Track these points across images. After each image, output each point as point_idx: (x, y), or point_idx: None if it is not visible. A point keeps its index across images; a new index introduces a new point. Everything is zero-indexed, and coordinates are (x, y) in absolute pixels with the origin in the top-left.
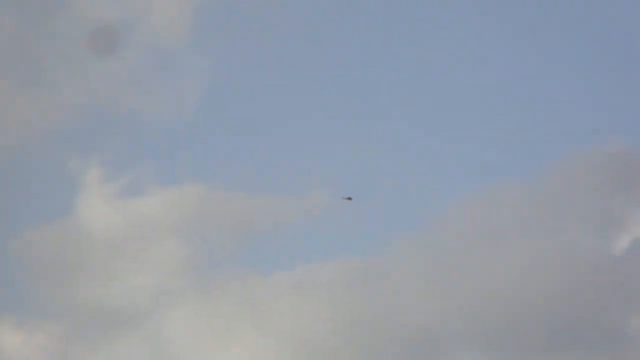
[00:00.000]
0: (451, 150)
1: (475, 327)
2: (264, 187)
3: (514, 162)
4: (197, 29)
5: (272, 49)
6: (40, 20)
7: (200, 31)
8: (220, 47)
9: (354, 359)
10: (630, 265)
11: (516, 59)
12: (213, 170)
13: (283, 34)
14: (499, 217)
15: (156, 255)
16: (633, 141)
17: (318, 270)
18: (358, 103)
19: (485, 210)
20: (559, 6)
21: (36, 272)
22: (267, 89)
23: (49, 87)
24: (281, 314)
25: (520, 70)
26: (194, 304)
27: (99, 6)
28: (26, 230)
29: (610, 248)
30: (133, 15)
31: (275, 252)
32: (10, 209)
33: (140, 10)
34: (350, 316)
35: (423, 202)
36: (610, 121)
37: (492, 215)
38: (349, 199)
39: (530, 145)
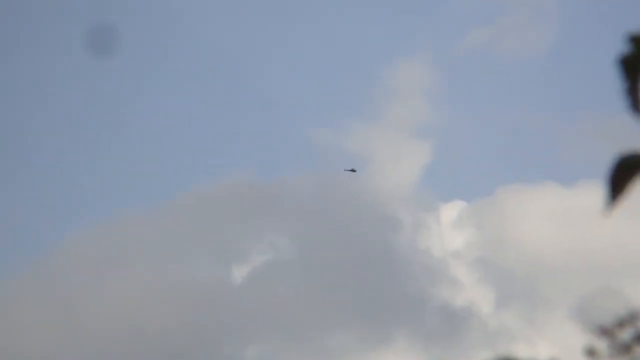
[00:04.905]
0: (82, 178)
1: (96, 353)
2: None
3: (141, 192)
4: None
5: None
6: None
7: None
8: None
9: None
10: (248, 294)
11: (144, 96)
12: None
13: None
14: (124, 246)
15: None
16: (255, 173)
17: None
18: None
19: (110, 239)
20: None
21: None
22: None
23: None
24: None
25: (148, 108)
26: None
27: None
28: None
29: (230, 277)
30: None
31: None
32: None
33: None
34: None
35: (45, 232)
36: (236, 155)
37: (116, 243)
38: (353, 170)
39: (157, 178)
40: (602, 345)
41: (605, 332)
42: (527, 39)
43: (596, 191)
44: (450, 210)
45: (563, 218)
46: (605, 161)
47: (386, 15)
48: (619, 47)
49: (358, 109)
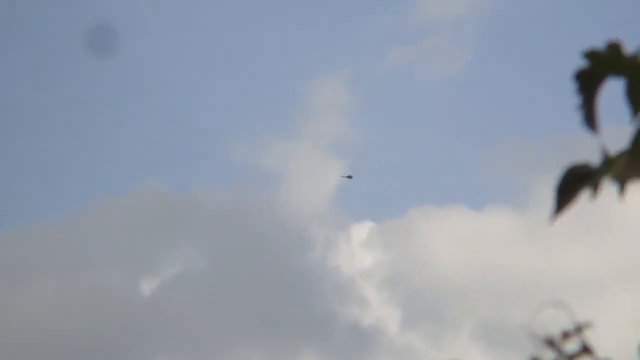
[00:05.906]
0: None
1: None
2: None
3: (53, 202)
4: None
5: None
6: None
7: None
8: None
9: None
10: (157, 306)
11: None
12: None
13: None
14: (33, 255)
15: None
16: (169, 186)
17: None
18: None
19: (20, 248)
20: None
21: None
22: None
23: None
24: None
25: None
26: None
27: None
28: None
29: (139, 289)
30: None
31: None
32: None
33: None
34: None
35: None
36: (150, 167)
37: (25, 253)
38: (349, 177)
39: (72, 188)
40: (547, 356)
41: (550, 343)
42: (448, 62)
43: (503, 215)
44: (361, 230)
45: (471, 240)
46: (516, 186)
47: (307, 33)
48: (540, 73)
49: (276, 125)
